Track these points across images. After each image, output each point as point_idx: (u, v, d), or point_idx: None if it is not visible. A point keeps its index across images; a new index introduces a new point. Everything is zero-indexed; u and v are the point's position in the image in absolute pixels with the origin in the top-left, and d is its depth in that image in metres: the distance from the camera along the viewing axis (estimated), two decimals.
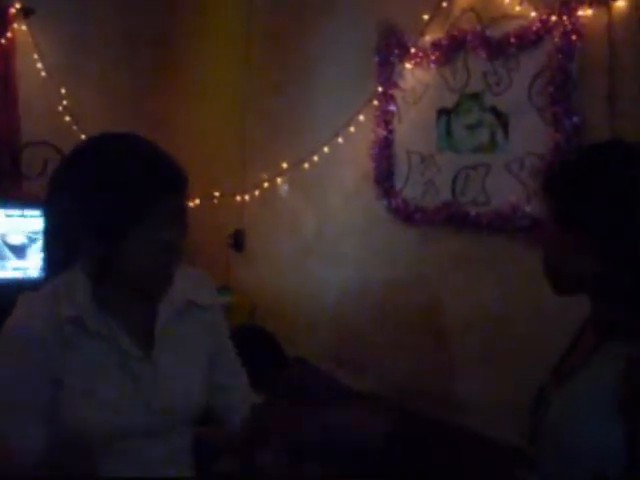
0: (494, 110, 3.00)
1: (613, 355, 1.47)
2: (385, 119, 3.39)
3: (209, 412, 1.88)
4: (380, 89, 3.39)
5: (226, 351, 1.91)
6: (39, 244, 3.85)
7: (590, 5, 2.65)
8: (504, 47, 2.94)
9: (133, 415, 1.61)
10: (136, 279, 1.62)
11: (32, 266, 3.82)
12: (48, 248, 1.68)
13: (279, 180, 3.90)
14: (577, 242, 1.50)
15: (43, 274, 1.70)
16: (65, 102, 4.42)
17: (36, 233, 3.82)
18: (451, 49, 3.13)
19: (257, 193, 4.04)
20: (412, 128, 3.33)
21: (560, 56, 2.73)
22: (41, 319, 1.56)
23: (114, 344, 1.61)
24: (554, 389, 1.60)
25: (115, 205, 1.53)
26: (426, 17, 3.20)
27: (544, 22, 2.79)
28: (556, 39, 2.75)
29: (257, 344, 3.19)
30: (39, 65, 4.35)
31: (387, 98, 3.38)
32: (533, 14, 2.83)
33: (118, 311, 1.64)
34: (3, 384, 1.58)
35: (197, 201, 4.27)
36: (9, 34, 4.18)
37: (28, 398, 1.57)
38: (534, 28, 2.82)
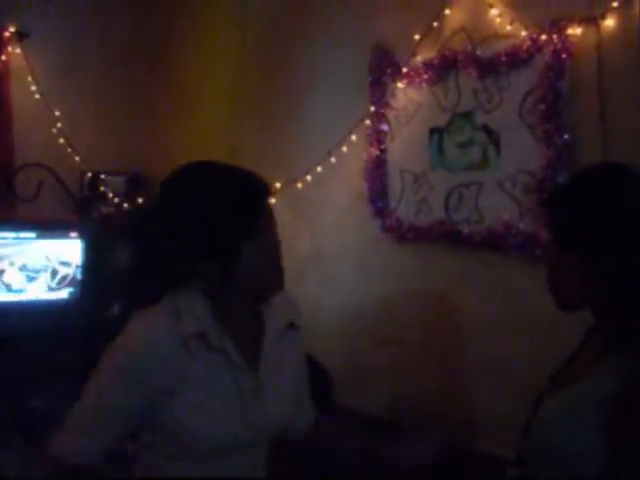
0: (486, 128, 3.02)
1: (609, 369, 1.52)
2: (378, 138, 3.41)
3: None
4: (372, 108, 3.41)
5: (303, 368, 2.03)
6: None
7: (579, 24, 2.68)
8: (495, 66, 2.96)
9: (232, 429, 1.74)
10: (254, 284, 1.76)
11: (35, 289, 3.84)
12: (153, 272, 1.81)
13: (273, 200, 3.88)
14: (576, 261, 1.57)
15: (140, 296, 1.85)
16: (59, 124, 4.44)
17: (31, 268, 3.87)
18: (442, 68, 3.16)
19: None
20: (405, 147, 3.35)
21: (550, 74, 2.75)
22: (162, 334, 1.69)
23: (228, 358, 1.75)
24: (550, 394, 1.66)
25: (225, 225, 1.68)
26: (417, 37, 3.23)
27: (534, 41, 2.81)
28: (546, 57, 2.77)
29: None
30: (33, 88, 4.37)
31: (379, 117, 3.41)
32: (523, 33, 2.86)
33: (232, 328, 1.78)
34: (100, 388, 1.73)
35: None
36: (3, 57, 4.20)
37: (116, 408, 1.71)
38: (524, 47, 2.85)
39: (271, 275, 1.78)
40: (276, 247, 1.78)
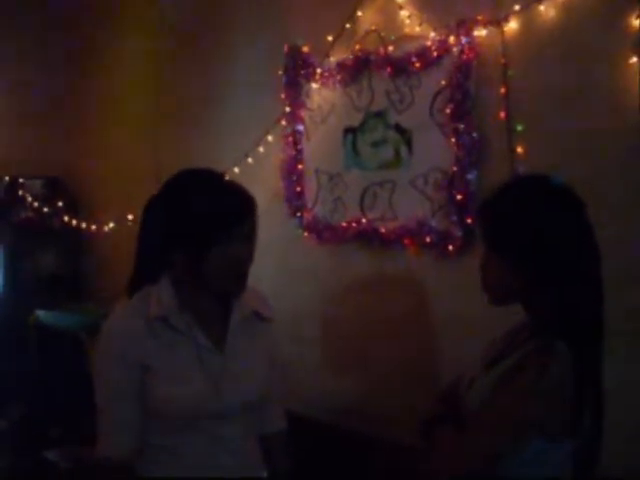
0: (398, 127, 3.07)
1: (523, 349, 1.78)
2: (293, 139, 3.45)
3: None
4: (288, 109, 3.45)
5: (270, 362, 2.19)
6: None
7: (484, 26, 2.74)
8: (406, 66, 3.01)
9: (203, 398, 1.96)
10: (215, 284, 1.97)
11: None
12: (142, 260, 2.04)
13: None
14: (504, 261, 1.80)
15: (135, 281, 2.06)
16: None
17: None
18: (356, 69, 3.20)
19: None
20: (320, 147, 3.39)
21: (458, 74, 2.81)
22: (131, 318, 1.96)
23: (191, 339, 1.98)
24: (480, 378, 1.86)
25: (202, 228, 1.90)
26: (331, 38, 3.27)
27: (442, 42, 2.87)
28: (454, 58, 2.83)
29: None
30: None
31: (295, 118, 3.44)
32: (432, 34, 2.91)
33: (197, 312, 2.01)
34: (103, 378, 1.98)
35: (111, 225, 4.25)
36: None
37: (126, 384, 1.94)
38: (433, 48, 2.90)
39: (231, 281, 1.99)
40: (243, 258, 1.97)
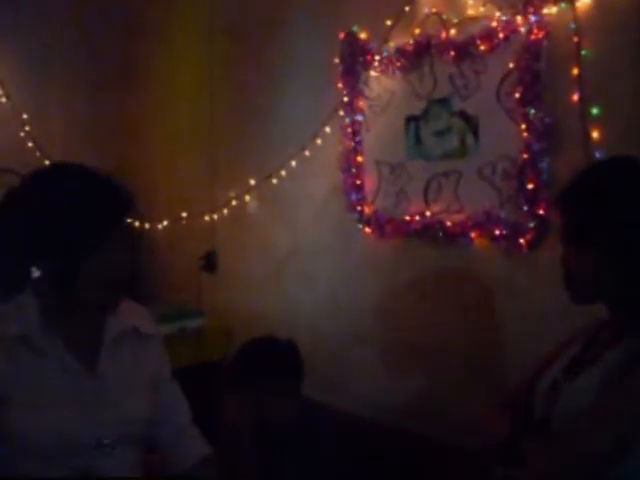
0: (463, 114, 2.94)
1: (619, 352, 1.62)
2: (352, 129, 3.33)
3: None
4: (345, 99, 3.33)
5: (165, 382, 1.99)
6: None
7: (555, 3, 2.59)
8: (470, 49, 2.88)
9: (75, 428, 1.70)
10: (88, 298, 1.73)
11: None
12: None
13: (247, 197, 3.81)
14: (592, 256, 1.64)
15: None
16: (27, 128, 4.34)
17: None
18: (416, 54, 3.07)
19: (226, 212, 3.95)
20: (380, 137, 3.27)
21: (527, 56, 2.67)
22: None
23: (60, 361, 1.72)
24: (566, 382, 1.72)
25: (71, 233, 1.66)
26: (389, 23, 3.14)
27: (509, 22, 2.73)
28: (522, 39, 2.68)
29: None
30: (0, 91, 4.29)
31: (353, 108, 3.32)
32: (498, 14, 2.77)
33: (66, 330, 1.75)
34: None
35: (165, 223, 4.20)
36: None
37: None
38: (499, 29, 2.76)
39: (107, 294, 1.76)
40: (122, 265, 1.76)
